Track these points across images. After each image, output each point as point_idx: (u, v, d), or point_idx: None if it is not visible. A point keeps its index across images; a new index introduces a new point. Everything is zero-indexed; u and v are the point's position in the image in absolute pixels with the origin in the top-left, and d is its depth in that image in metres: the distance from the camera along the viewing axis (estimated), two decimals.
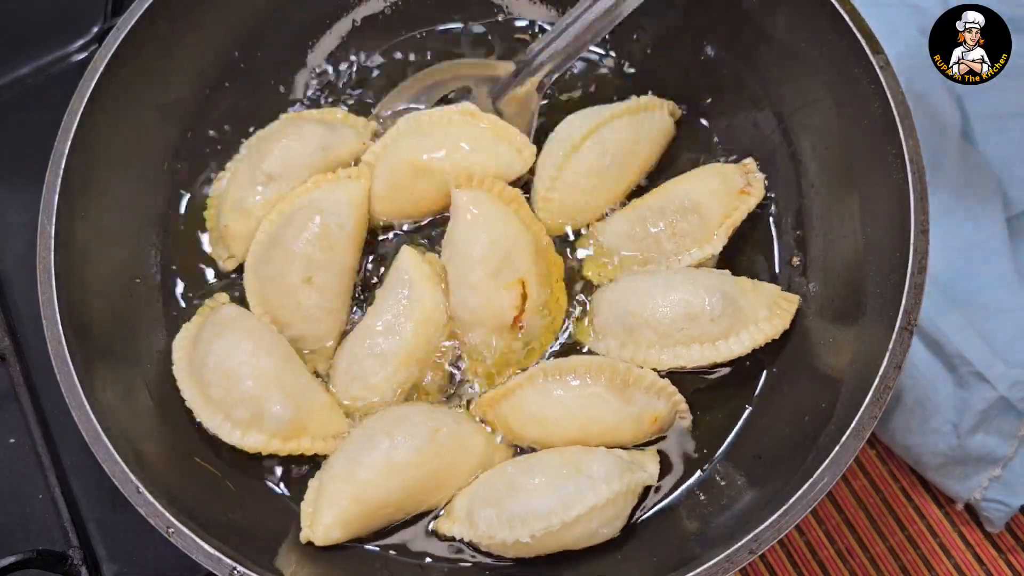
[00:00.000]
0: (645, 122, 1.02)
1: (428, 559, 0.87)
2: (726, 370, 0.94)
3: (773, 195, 1.02)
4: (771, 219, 1.02)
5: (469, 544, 0.86)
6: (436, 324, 0.94)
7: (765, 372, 0.95)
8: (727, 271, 0.96)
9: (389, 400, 0.92)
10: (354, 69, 1.13)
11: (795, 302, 0.93)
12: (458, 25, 1.15)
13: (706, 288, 0.91)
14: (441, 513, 0.88)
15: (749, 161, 1.02)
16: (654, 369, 0.91)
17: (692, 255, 0.97)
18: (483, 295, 0.92)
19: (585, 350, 0.96)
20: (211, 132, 1.08)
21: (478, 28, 1.14)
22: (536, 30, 1.14)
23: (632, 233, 0.99)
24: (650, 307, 0.91)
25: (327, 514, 0.84)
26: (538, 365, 0.92)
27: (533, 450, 0.90)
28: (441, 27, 1.15)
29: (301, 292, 0.94)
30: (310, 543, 0.84)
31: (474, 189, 0.96)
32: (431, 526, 0.88)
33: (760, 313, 0.91)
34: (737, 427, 0.93)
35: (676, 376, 0.92)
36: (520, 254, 0.94)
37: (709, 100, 1.08)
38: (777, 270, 1.00)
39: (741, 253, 1.00)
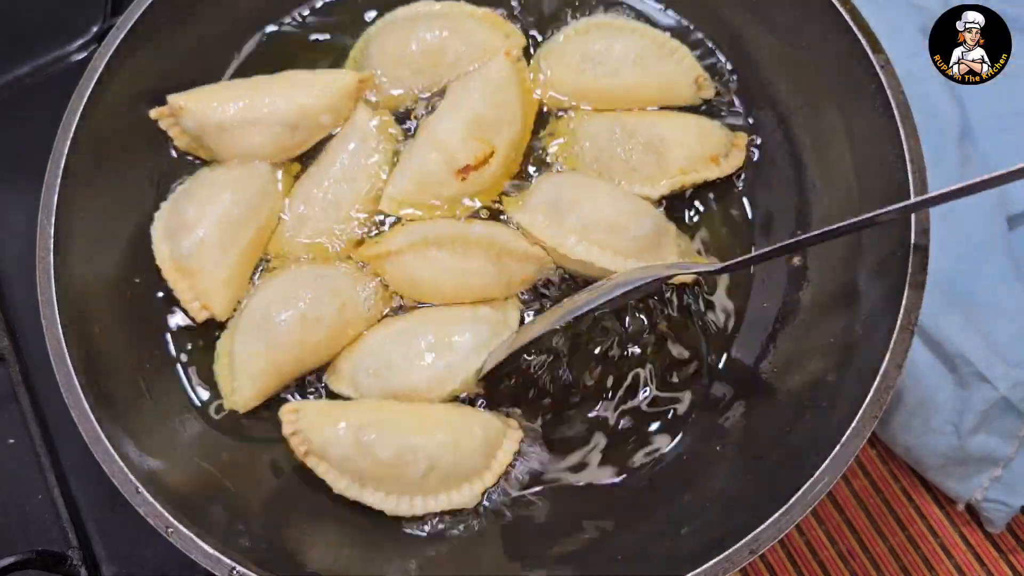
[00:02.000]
0: (662, 60, 1.04)
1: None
2: (721, 358, 0.94)
3: (743, 176, 1.02)
4: (772, 219, 1.02)
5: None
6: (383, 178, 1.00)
7: (765, 372, 0.95)
8: (672, 224, 0.98)
9: (333, 243, 0.98)
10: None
11: (701, 261, 0.97)
12: None
13: (643, 211, 0.95)
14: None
15: (741, 135, 1.03)
16: (565, 255, 0.94)
17: (633, 189, 1.00)
18: (459, 125, 0.98)
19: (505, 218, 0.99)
20: None
21: None
22: None
23: (598, 138, 1.01)
24: (586, 201, 0.95)
25: (247, 385, 0.91)
26: (421, 231, 0.94)
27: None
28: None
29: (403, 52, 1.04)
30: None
31: (513, 64, 1.04)
32: (324, 380, 0.94)
33: (670, 257, 0.95)
34: (738, 428, 0.92)
35: (674, 366, 0.93)
36: (508, 130, 1.00)
37: (710, 100, 1.08)
38: (776, 269, 0.99)
39: (742, 250, 1.00)
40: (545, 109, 1.06)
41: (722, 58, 1.08)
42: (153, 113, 1.00)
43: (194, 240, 0.94)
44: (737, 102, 1.06)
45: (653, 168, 0.99)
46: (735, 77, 1.07)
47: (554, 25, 1.09)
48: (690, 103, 1.04)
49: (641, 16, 1.09)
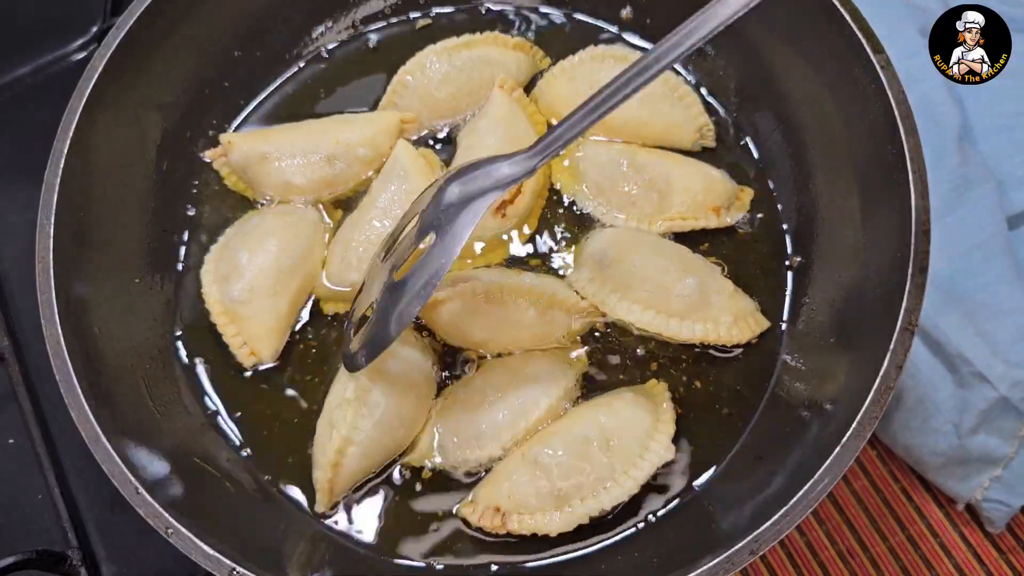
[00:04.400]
0: (671, 103, 1.04)
1: (438, 565, 0.88)
2: (715, 361, 0.94)
3: (738, 224, 1.02)
4: (773, 218, 1.02)
5: (442, 471, 0.90)
6: None
7: (765, 372, 0.95)
8: (719, 267, 0.97)
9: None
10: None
11: (763, 325, 0.95)
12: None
13: (687, 268, 0.94)
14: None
15: (747, 191, 1.03)
16: (604, 314, 0.95)
17: (628, 223, 1.00)
18: None
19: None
20: (210, 132, 1.08)
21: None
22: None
23: (604, 167, 1.01)
24: (630, 258, 0.94)
25: (342, 490, 0.89)
26: (470, 279, 0.94)
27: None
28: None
29: (439, 89, 1.06)
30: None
31: (510, 95, 1.05)
32: (402, 461, 0.90)
33: (723, 317, 0.93)
34: (738, 429, 0.93)
35: (675, 361, 0.92)
36: None
37: (710, 99, 1.08)
38: (778, 269, 1.00)
39: (743, 250, 1.00)
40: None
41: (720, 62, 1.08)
42: (208, 154, 1.05)
43: (244, 286, 0.95)
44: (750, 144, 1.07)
45: (653, 207, 0.99)
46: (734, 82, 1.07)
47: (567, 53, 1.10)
48: (689, 148, 1.05)
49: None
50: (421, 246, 0.80)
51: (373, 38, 1.15)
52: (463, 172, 0.80)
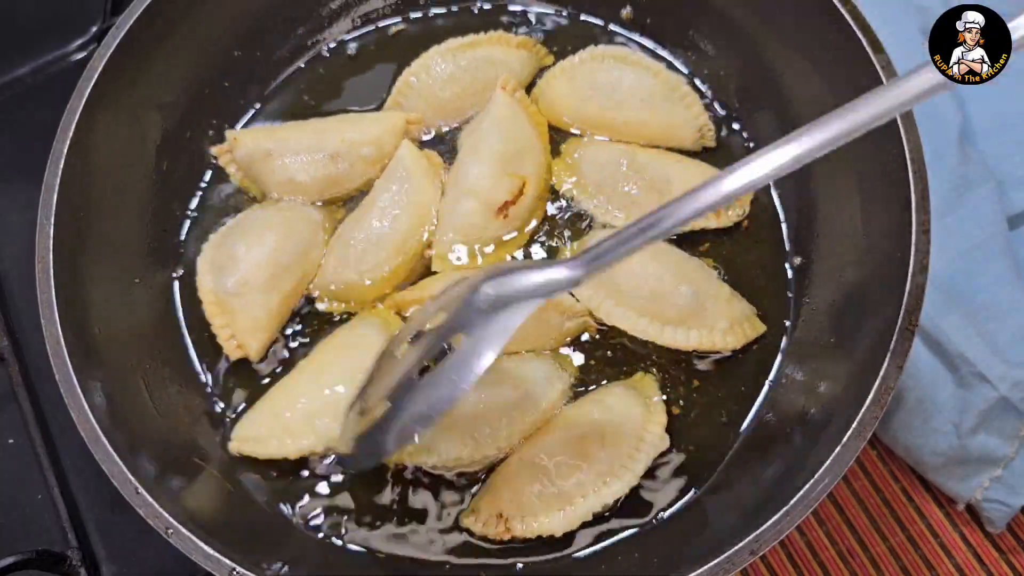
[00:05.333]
0: (671, 102, 1.04)
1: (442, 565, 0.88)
2: (712, 364, 0.94)
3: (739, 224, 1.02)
4: (773, 218, 1.02)
5: (432, 468, 0.89)
6: (428, 217, 0.99)
7: (766, 372, 0.95)
8: (715, 272, 0.97)
9: (375, 283, 0.97)
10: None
11: (759, 330, 0.95)
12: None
13: (683, 276, 0.94)
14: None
15: (748, 195, 1.02)
16: (601, 318, 0.94)
17: (628, 222, 0.98)
18: (487, 168, 0.98)
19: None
20: (210, 132, 1.08)
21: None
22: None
23: (604, 168, 1.01)
24: (626, 266, 0.93)
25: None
26: (461, 277, 0.93)
27: None
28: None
29: (444, 89, 1.06)
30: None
31: (513, 96, 1.04)
32: (397, 459, 0.89)
33: (719, 323, 0.93)
34: (737, 429, 0.92)
35: (674, 362, 0.93)
36: (530, 158, 1.01)
37: (710, 99, 1.08)
38: (778, 270, 1.00)
39: (743, 251, 1.00)
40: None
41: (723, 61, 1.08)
42: (214, 150, 1.05)
43: (239, 279, 0.95)
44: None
45: (653, 207, 0.98)
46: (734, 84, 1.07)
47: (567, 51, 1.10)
48: (690, 148, 1.05)
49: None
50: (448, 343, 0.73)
51: (373, 37, 1.16)
52: (498, 273, 0.73)
